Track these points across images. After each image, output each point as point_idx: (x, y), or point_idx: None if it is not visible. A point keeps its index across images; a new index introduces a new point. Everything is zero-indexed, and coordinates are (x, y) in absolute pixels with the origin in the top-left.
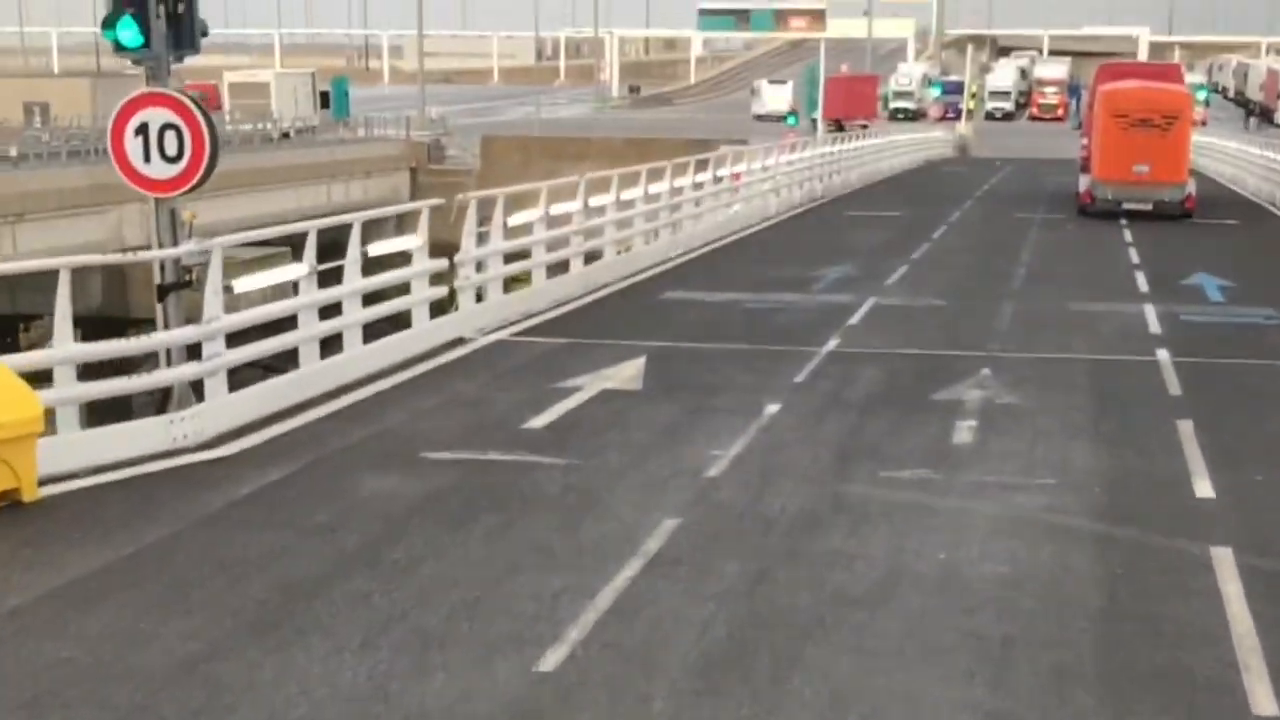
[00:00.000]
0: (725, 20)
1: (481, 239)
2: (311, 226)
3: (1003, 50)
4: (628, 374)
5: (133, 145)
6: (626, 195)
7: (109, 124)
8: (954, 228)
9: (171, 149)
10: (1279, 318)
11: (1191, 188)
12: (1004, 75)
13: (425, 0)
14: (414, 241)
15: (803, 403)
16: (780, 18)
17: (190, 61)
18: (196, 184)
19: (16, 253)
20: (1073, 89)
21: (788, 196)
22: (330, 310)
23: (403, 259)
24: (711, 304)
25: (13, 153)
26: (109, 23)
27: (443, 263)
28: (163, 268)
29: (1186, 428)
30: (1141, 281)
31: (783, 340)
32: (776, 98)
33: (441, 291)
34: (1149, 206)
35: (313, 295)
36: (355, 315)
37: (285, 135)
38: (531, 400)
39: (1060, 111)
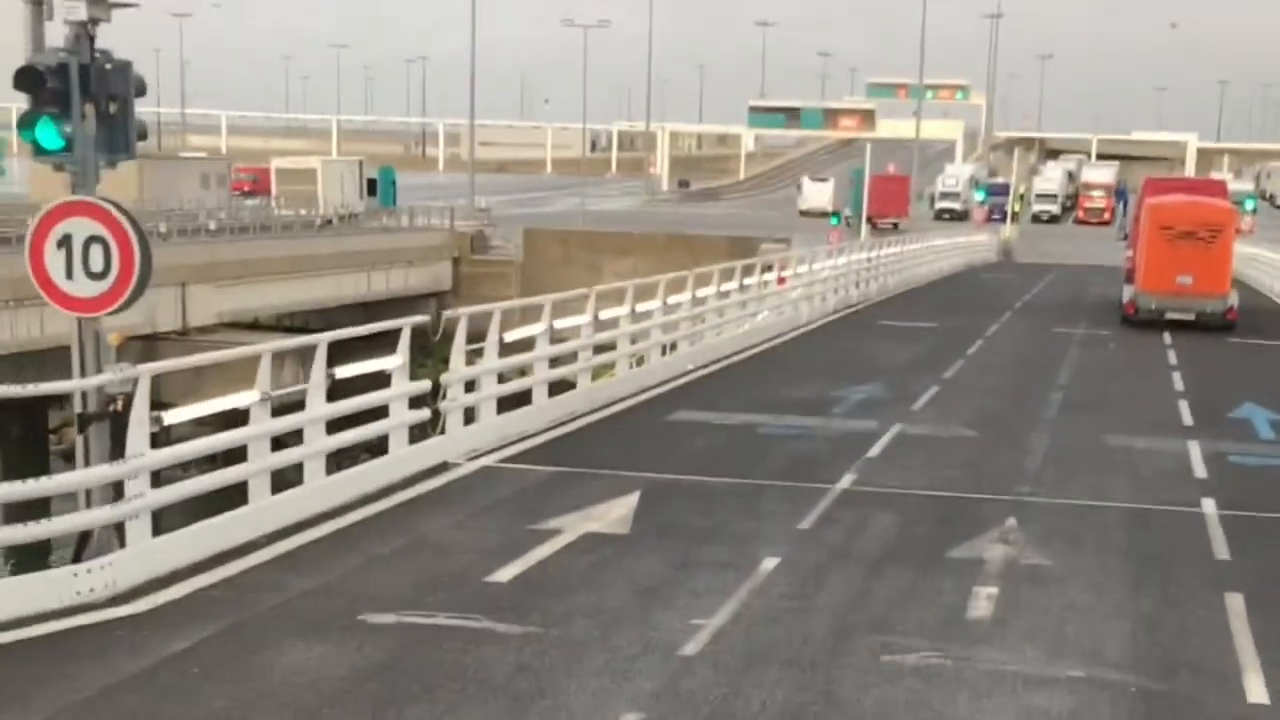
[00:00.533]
0: (775, 118)
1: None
2: (266, 349)
3: (1051, 153)
4: (616, 514)
5: (54, 260)
6: (643, 307)
7: (28, 235)
8: (991, 342)
9: (97, 264)
10: None
11: (1234, 299)
12: (1051, 178)
13: (487, 91)
14: (394, 361)
15: (804, 557)
16: (830, 117)
17: (246, 144)
18: (125, 303)
19: (45, 335)
20: (1119, 193)
21: (821, 305)
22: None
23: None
24: (722, 428)
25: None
26: (25, 123)
27: (425, 385)
28: (85, 397)
29: (1236, 604)
30: (1185, 412)
31: (794, 475)
32: (818, 194)
33: (422, 415)
34: (1192, 317)
35: (265, 425)
36: (317, 444)
37: (328, 222)
38: (504, 545)
39: (1106, 215)
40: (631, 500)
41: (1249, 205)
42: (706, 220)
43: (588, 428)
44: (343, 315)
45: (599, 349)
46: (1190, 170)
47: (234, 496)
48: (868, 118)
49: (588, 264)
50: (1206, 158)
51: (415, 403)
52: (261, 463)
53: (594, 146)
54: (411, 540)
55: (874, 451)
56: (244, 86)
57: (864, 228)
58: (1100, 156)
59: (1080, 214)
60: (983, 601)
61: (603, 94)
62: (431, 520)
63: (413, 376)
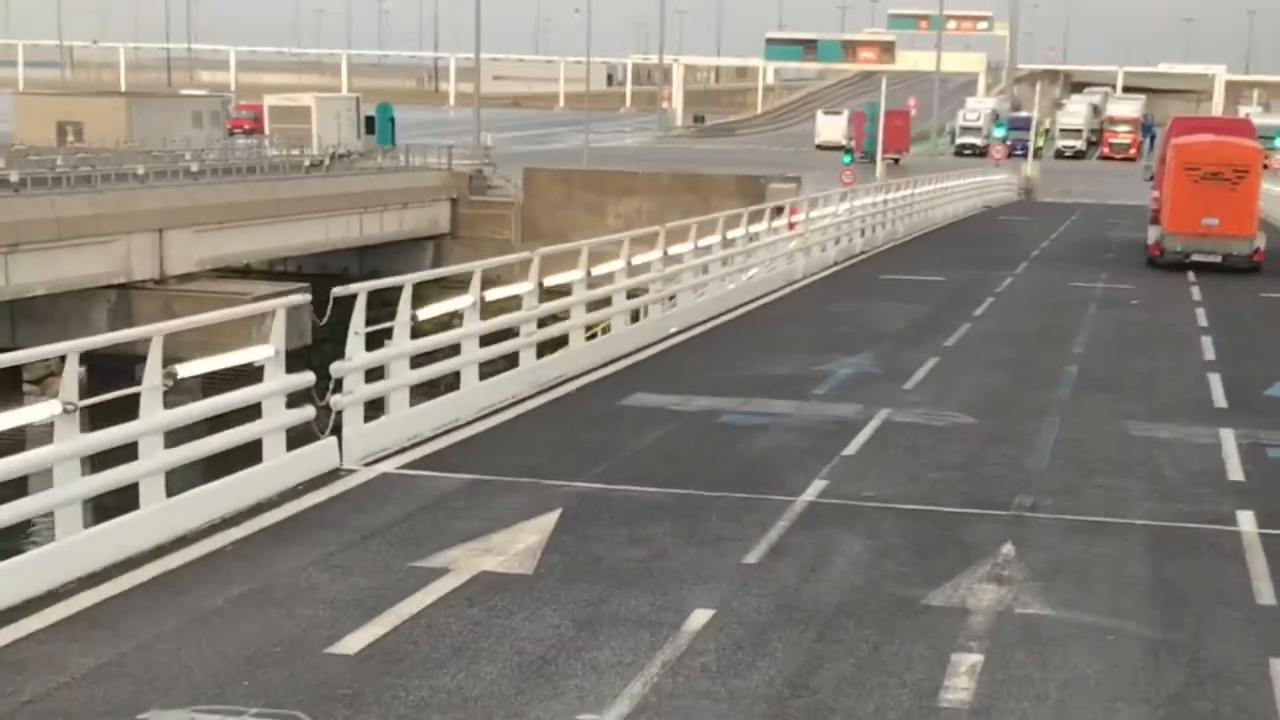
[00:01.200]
0: (792, 50)
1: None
2: (72, 348)
3: (1075, 86)
4: (524, 544)
5: None
6: (602, 269)
7: None
8: (1001, 301)
9: None
10: None
11: (1261, 241)
12: (1075, 112)
13: (500, 24)
14: (263, 351)
15: (744, 608)
16: (849, 49)
17: (258, 80)
18: None
19: (9, 285)
20: (1146, 127)
21: (820, 256)
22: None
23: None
24: (679, 416)
25: (13, 178)
26: None
27: (307, 378)
28: None
29: None
30: (1217, 389)
31: (752, 482)
32: (831, 128)
33: (304, 415)
34: (1218, 259)
35: (74, 442)
36: (154, 460)
37: (319, 164)
38: (370, 594)
39: (1132, 151)
40: (548, 522)
41: (1279, 141)
42: (719, 157)
43: (523, 417)
44: (335, 260)
45: (540, 324)
46: (1218, 103)
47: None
48: (887, 50)
49: (590, 205)
50: (1235, 90)
51: (294, 401)
52: (69, 489)
53: (610, 80)
54: (256, 587)
55: (852, 448)
56: (256, 22)
57: (879, 166)
58: (1126, 89)
59: (1105, 150)
60: (962, 679)
61: (619, 27)
62: (291, 555)
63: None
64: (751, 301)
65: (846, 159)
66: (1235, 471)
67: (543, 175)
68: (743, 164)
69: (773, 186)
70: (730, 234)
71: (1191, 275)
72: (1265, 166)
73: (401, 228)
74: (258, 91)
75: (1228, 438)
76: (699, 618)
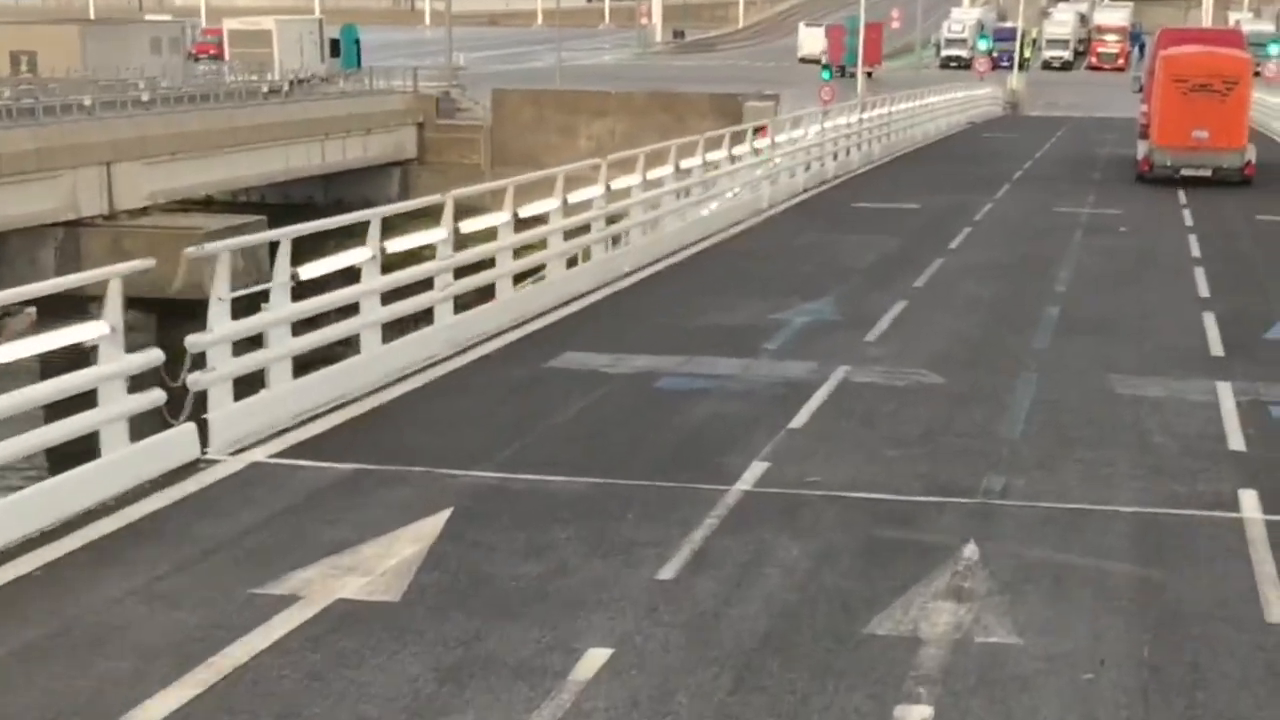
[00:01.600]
0: None
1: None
2: None
3: None
4: (396, 559)
5: None
6: (530, 210)
7: None
8: (980, 230)
9: None
10: None
11: (1251, 154)
12: (1062, 21)
13: None
14: (95, 329)
15: (650, 645)
16: None
17: (234, 2)
18: None
19: None
20: (1134, 36)
21: (789, 182)
22: None
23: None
24: (611, 380)
25: None
26: None
27: (153, 355)
28: None
29: None
30: (1213, 332)
31: (683, 465)
32: (813, 40)
33: (153, 399)
34: (1208, 173)
35: None
36: None
37: (275, 91)
38: (190, 637)
39: (1121, 61)
40: (432, 527)
41: (1271, 50)
42: (699, 74)
43: (432, 386)
44: (299, 189)
45: (456, 275)
46: (1207, 9)
47: None
48: None
49: (562, 127)
50: None
51: (138, 385)
52: None
53: None
54: (53, 629)
55: (801, 418)
56: None
57: (860, 81)
58: None
59: (1093, 60)
60: None
61: None
62: (109, 581)
63: None
64: (706, 238)
65: (825, 75)
66: (1235, 437)
67: (513, 97)
68: (722, 81)
69: (750, 105)
70: (685, 163)
71: (1183, 197)
72: (1257, 74)
73: (366, 154)
74: (232, 15)
75: (1226, 393)
76: (592, 661)
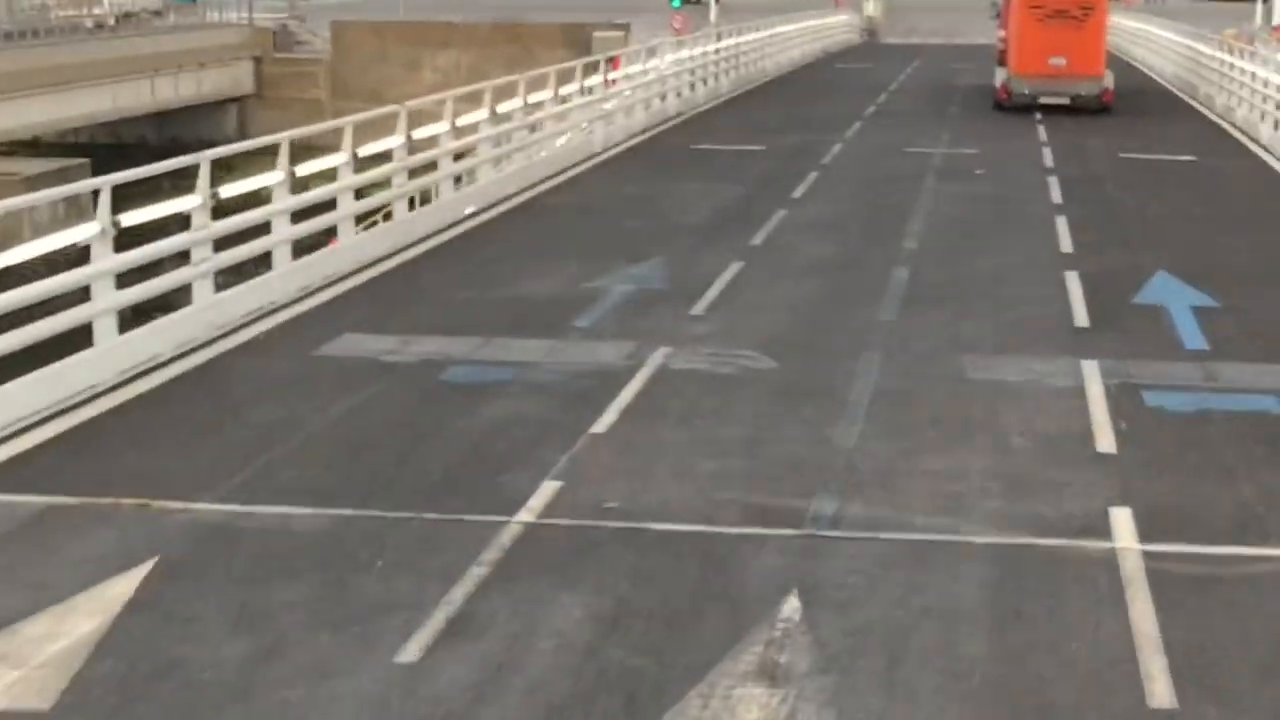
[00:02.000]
0: None
1: None
2: None
3: None
4: (65, 642)
5: None
6: (308, 166)
7: None
8: (826, 176)
9: None
10: None
11: (1109, 81)
12: None
13: None
14: None
15: None
16: None
17: None
18: None
19: None
20: None
21: (625, 122)
22: None
23: None
24: (391, 371)
25: None
26: None
27: None
28: None
29: None
30: (1076, 296)
31: (457, 488)
32: None
33: None
34: (1066, 100)
35: None
36: None
37: (101, 25)
38: None
39: None
40: (123, 590)
41: None
42: (544, 2)
43: (173, 385)
44: (130, 129)
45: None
46: None
47: None
48: None
49: (406, 60)
50: None
51: None
52: None
53: None
54: None
55: (608, 418)
56: None
57: (713, 9)
58: None
59: None
60: None
61: None
62: None
63: None
64: (529, 188)
65: (675, 3)
66: (1104, 435)
67: (354, 29)
68: (573, 8)
69: (598, 35)
70: (502, 107)
71: (1043, 133)
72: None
73: (200, 90)
74: None
75: (1092, 376)
76: None
